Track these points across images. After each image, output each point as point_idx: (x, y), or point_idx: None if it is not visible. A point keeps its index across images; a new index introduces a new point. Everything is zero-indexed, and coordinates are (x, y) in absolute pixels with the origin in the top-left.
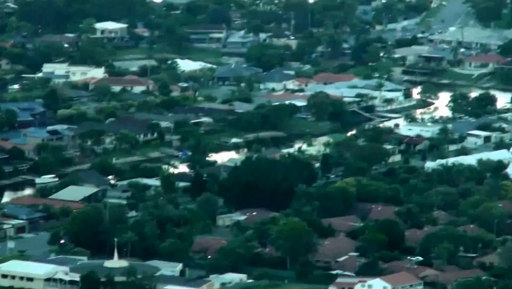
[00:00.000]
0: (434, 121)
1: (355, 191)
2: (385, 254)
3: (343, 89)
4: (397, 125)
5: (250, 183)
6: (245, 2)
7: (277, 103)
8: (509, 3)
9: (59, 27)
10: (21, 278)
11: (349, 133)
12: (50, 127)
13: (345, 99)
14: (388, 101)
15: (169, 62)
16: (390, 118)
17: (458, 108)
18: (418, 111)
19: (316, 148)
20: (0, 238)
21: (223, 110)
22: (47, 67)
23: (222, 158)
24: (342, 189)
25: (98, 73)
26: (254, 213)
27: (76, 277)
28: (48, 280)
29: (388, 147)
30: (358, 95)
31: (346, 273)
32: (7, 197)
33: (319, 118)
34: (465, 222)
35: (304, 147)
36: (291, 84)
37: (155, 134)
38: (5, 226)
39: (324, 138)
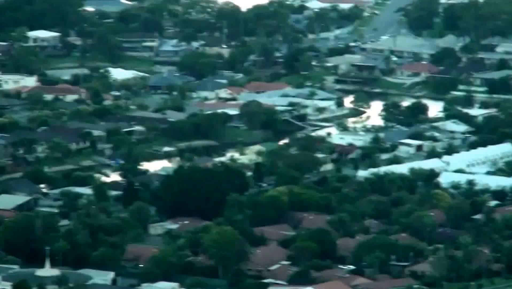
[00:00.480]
0: (366, 130)
1: (287, 199)
2: (317, 263)
3: (275, 98)
4: (329, 134)
5: (182, 191)
6: (177, 10)
7: (209, 112)
8: (441, 12)
9: None
10: None
11: (281, 142)
12: None
13: (277, 108)
14: (320, 110)
15: (102, 70)
16: (322, 127)
17: (390, 117)
18: (350, 120)
19: (248, 156)
20: None
21: (156, 119)
22: None
23: (154, 166)
24: (274, 197)
25: (30, 81)
26: (186, 222)
27: (8, 285)
28: None
29: (320, 155)
30: (290, 104)
31: (278, 281)
32: None
33: (251, 127)
34: (397, 231)
35: (236, 155)
36: (223, 93)
37: (87, 143)
38: None
39: (256, 147)
